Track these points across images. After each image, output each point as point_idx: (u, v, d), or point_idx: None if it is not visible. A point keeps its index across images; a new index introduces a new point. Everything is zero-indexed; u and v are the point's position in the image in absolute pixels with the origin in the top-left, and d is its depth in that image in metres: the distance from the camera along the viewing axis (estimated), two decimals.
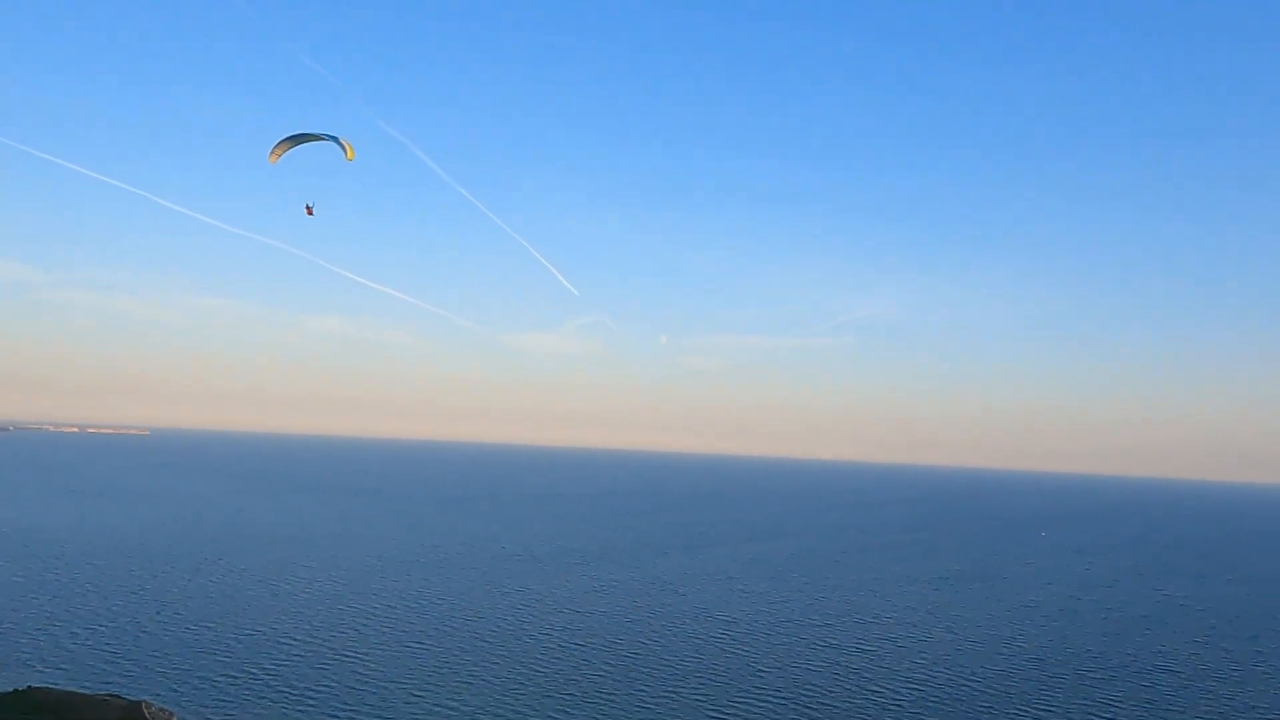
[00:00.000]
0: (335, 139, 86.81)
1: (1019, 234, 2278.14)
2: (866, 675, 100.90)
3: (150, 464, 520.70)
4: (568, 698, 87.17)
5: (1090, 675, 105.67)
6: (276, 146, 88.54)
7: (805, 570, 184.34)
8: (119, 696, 76.04)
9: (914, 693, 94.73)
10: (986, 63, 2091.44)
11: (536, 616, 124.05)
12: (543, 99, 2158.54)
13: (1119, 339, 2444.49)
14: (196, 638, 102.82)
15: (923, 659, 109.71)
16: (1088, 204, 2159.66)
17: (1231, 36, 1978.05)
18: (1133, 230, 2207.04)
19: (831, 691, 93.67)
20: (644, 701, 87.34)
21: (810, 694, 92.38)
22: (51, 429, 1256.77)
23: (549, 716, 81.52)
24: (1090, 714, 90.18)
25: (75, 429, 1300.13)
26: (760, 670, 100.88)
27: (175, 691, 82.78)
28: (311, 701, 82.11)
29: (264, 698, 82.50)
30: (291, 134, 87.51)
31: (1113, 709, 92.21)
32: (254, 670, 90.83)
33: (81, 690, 78.78)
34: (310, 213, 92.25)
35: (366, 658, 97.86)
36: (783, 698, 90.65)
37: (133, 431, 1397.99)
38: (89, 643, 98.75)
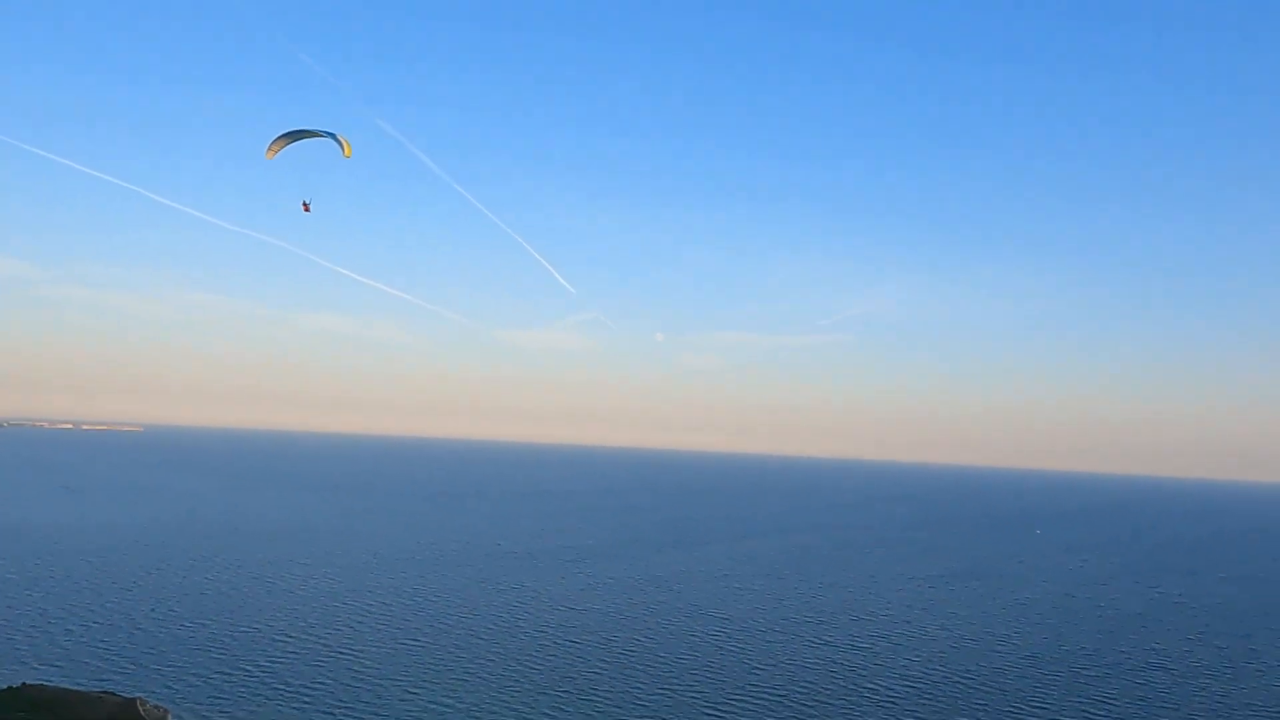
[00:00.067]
0: (332, 136, 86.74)
1: (1018, 232, 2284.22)
2: (862, 672, 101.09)
3: (144, 461, 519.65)
4: (562, 695, 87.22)
5: (1084, 672, 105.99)
6: (274, 143, 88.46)
7: (801, 567, 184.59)
8: (113, 694, 75.92)
9: (909, 690, 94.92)
10: (986, 60, 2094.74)
11: (531, 613, 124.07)
12: (540, 96, 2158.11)
13: (1116, 338, 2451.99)
14: (191, 635, 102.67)
15: (918, 656, 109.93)
16: (1087, 202, 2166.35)
17: (1231, 33, 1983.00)
18: (1130, 229, 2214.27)
19: (826, 689, 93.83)
20: (638, 699, 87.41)
21: (805, 691, 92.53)
22: (45, 426, 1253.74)
23: (544, 713, 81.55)
24: (1084, 711, 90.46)
25: (69, 426, 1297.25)
26: (755, 667, 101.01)
27: (170, 689, 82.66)
28: (306, 699, 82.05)
29: (259, 695, 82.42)
30: (289, 130, 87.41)
31: (1107, 706, 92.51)
32: (249, 667, 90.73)
33: (76, 687, 78.64)
34: (307, 209, 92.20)
35: (362, 654, 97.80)
36: (778, 695, 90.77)
37: (127, 428, 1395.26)
38: (83, 640, 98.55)
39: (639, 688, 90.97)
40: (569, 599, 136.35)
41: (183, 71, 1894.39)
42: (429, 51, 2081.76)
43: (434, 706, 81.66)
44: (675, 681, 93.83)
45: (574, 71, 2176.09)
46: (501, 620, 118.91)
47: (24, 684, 75.18)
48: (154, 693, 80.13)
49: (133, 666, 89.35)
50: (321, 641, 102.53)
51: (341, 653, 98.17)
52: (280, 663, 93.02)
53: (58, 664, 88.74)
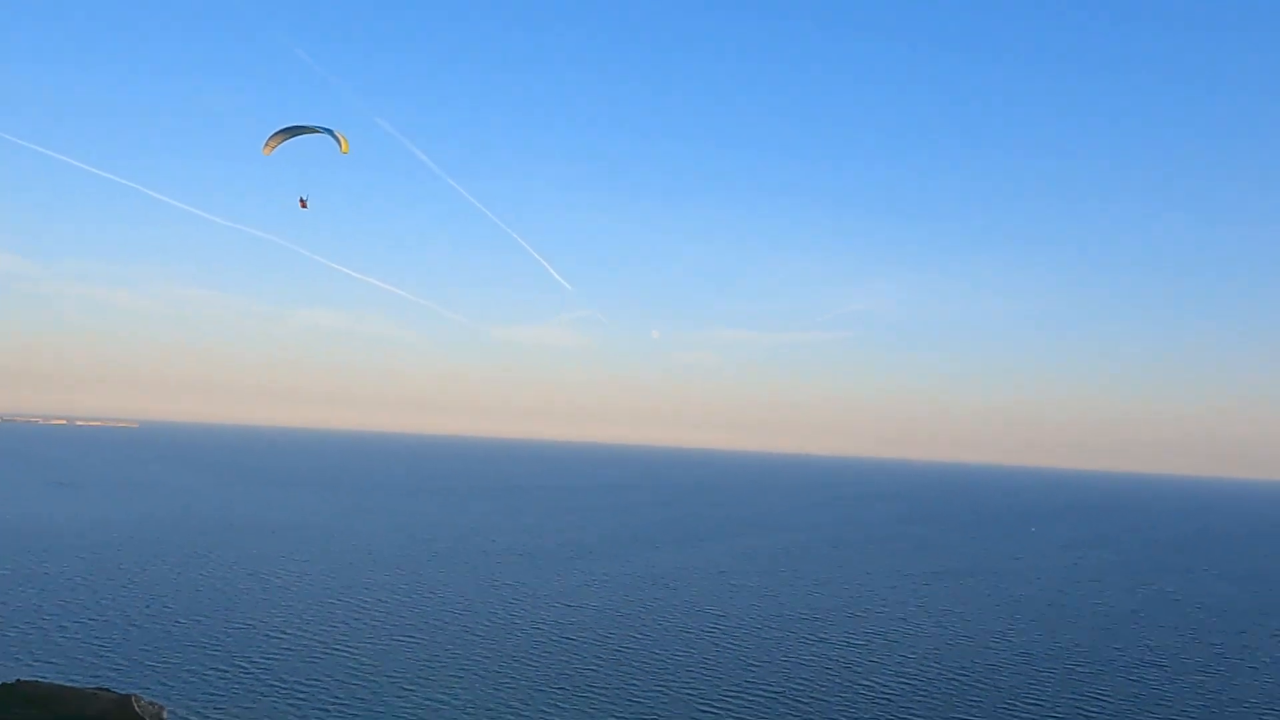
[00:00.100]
0: (330, 132, 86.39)
1: (1015, 229, 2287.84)
2: (857, 669, 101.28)
3: (139, 457, 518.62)
4: (559, 691, 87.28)
5: (1078, 669, 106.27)
6: (271, 138, 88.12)
7: (797, 564, 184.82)
8: (109, 690, 75.79)
9: (904, 686, 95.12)
10: (984, 56, 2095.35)
11: (527, 610, 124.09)
12: (535, 91, 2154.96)
13: (1113, 336, 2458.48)
14: (186, 631, 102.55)
15: (913, 653, 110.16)
16: (1084, 199, 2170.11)
17: (1232, 30, 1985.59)
18: (1128, 226, 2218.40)
19: (821, 685, 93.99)
20: (635, 695, 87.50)
21: (800, 687, 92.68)
22: (40, 421, 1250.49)
23: (540, 710, 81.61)
24: (1078, 708, 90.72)
25: (63, 421, 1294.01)
26: (751, 664, 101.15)
27: (165, 685, 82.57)
28: (302, 695, 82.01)
29: (254, 691, 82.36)
30: (286, 126, 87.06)
31: (1101, 703, 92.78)
32: (244, 664, 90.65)
33: (71, 684, 78.48)
34: (304, 205, 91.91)
35: (357, 651, 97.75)
36: (773, 691, 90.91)
37: (122, 424, 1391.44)
38: (78, 636, 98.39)
39: (635, 684, 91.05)
40: (565, 596, 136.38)
41: (179, 67, 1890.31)
42: (426, 48, 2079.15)
43: (429, 703, 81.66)
44: (671, 678, 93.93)
45: (571, 68, 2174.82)
46: (497, 617, 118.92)
47: (19, 680, 75.03)
48: (149, 689, 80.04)
49: (127, 663, 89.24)
50: (317, 638, 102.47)
51: (337, 649, 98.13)
52: (275, 659, 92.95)
53: (52, 661, 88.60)
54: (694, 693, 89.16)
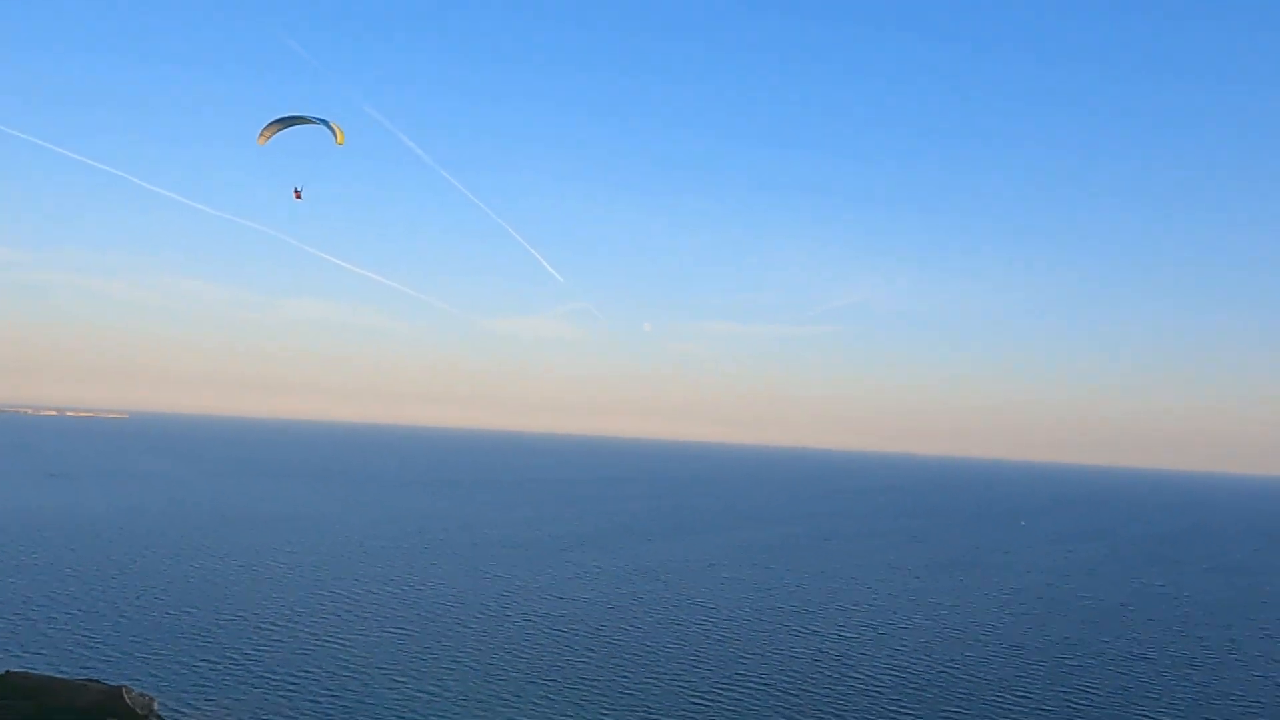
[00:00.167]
0: (325, 123, 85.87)
1: (1007, 222, 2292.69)
2: (847, 662, 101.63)
3: (129, 447, 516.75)
4: (549, 683, 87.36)
5: (1068, 662, 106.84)
6: (266, 128, 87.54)
7: (788, 557, 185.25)
8: (98, 682, 75.55)
9: (894, 679, 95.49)
10: (982, 48, 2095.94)
11: (519, 602, 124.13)
12: (527, 82, 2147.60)
13: (1107, 331, 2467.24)
14: (177, 623, 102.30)
15: (903, 646, 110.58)
16: (1080, 195, 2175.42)
17: (1234, 27, 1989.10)
18: (1124, 222, 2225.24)
19: (812, 678, 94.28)
20: (625, 687, 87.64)
21: (791, 680, 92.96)
22: (29, 412, 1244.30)
23: (531, 702, 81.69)
24: (1067, 700, 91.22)
25: (53, 412, 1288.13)
26: (742, 656, 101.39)
27: (155, 677, 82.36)
28: (293, 687, 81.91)
29: (245, 683, 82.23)
30: (282, 116, 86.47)
31: (1089, 695, 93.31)
32: (235, 655, 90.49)
33: (60, 675, 78.24)
34: (299, 196, 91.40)
35: (348, 643, 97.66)
36: (764, 683, 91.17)
37: (112, 415, 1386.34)
38: (67, 627, 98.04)
39: (626, 677, 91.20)
40: (556, 588, 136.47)
41: (170, 56, 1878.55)
42: (418, 37, 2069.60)
43: (421, 695, 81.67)
44: (662, 670, 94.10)
45: (563, 58, 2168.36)
46: (489, 609, 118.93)
47: (7, 672, 74.70)
48: (139, 681, 79.81)
49: (118, 654, 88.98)
50: (308, 630, 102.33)
51: (328, 641, 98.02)
52: (267, 651, 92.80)
53: (41, 652, 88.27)
54: (685, 685, 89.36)
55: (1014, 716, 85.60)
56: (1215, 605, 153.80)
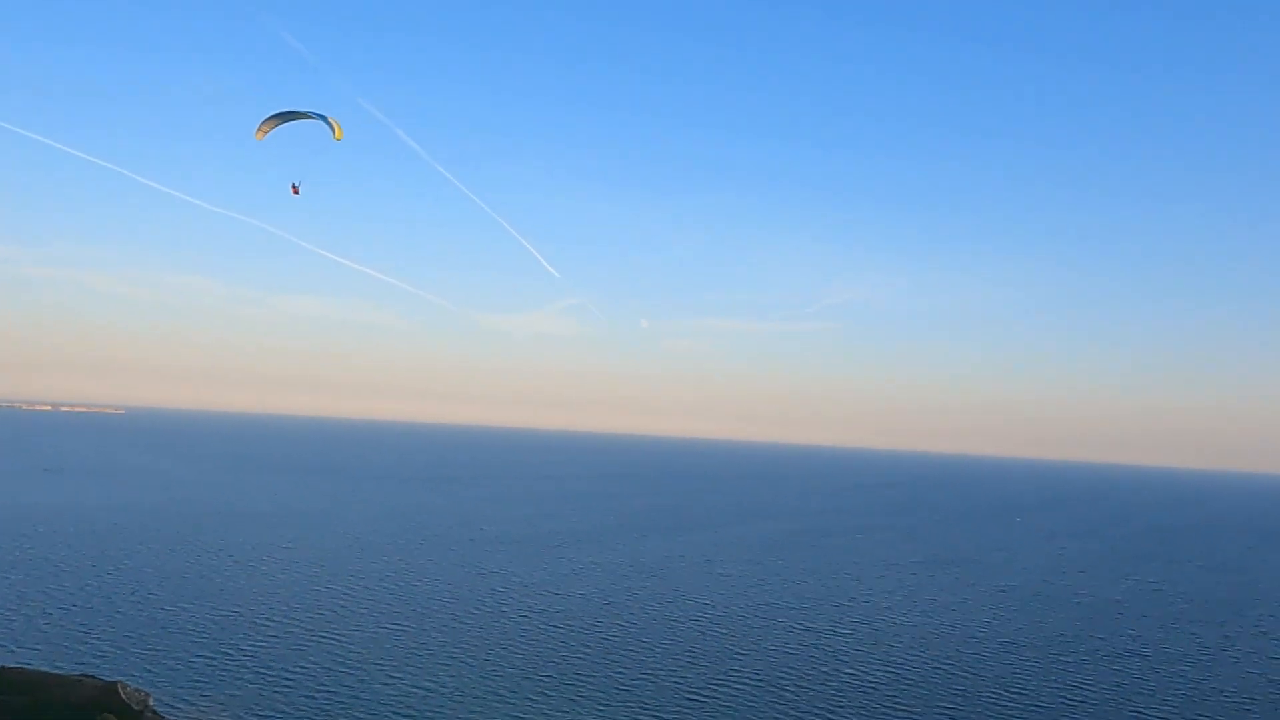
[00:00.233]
0: (323, 118, 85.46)
1: (1006, 220, 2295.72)
2: (843, 658, 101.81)
3: (125, 443, 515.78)
4: (546, 679, 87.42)
5: (1062, 658, 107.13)
6: (264, 123, 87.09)
7: (784, 554, 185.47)
8: (94, 677, 75.50)
9: (889, 675, 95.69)
10: (982, 45, 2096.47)
11: (515, 598, 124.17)
12: (524, 78, 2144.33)
13: (1101, 329, 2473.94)
14: (172, 618, 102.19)
15: (898, 642, 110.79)
16: (1079, 192, 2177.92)
17: (1236, 25, 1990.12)
18: (1122, 218, 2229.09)
19: (808, 674, 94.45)
20: (622, 683, 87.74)
21: (787, 676, 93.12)
22: (24, 407, 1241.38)
23: (527, 697, 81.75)
24: (1062, 696, 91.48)
25: (48, 407, 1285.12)
26: (738, 652, 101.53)
27: (151, 672, 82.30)
28: (288, 682, 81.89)
29: (240, 679, 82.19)
30: (279, 111, 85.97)
31: (1084, 691, 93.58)
32: (230, 651, 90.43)
33: (55, 671, 78.17)
34: (296, 192, 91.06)
35: (344, 638, 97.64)
36: (760, 679, 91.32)
37: (107, 410, 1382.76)
38: (63, 623, 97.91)
39: (622, 672, 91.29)
40: (553, 584, 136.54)
41: (166, 50, 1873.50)
42: (414, 32, 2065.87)
43: (416, 691, 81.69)
44: (658, 666, 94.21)
45: (560, 55, 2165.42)
46: (485, 605, 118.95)
47: (3, 667, 74.62)
48: (135, 676, 79.76)
49: (113, 650, 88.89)
50: (304, 625, 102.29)
51: (324, 637, 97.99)
52: (262, 647, 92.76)
53: (37, 647, 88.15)
54: (681, 680, 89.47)
55: (1009, 712, 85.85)
56: (1209, 602, 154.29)
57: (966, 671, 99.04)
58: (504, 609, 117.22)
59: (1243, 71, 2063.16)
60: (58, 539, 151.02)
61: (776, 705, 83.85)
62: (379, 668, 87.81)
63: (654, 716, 79.27)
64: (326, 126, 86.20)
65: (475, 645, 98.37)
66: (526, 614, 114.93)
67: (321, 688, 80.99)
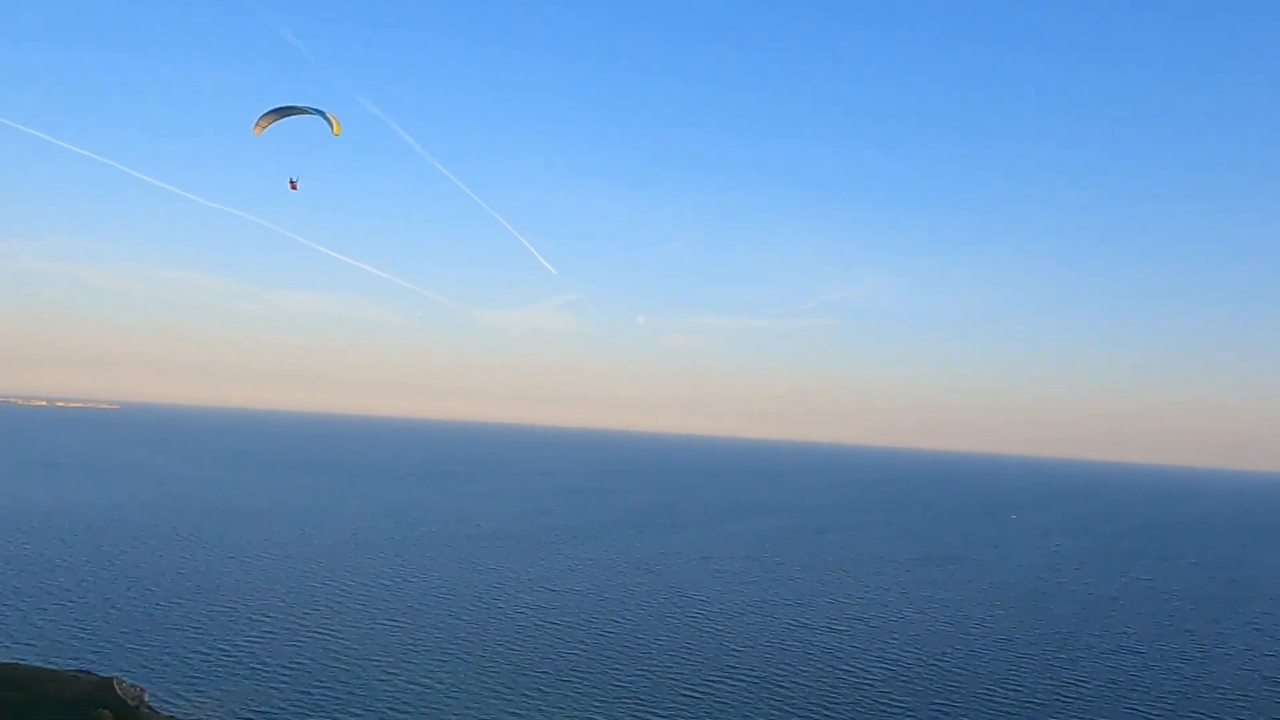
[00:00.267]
0: (321, 113, 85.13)
1: (1004, 218, 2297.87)
2: (838, 654, 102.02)
3: (120, 438, 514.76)
4: (542, 675, 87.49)
5: (1057, 655, 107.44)
6: (261, 118, 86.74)
7: (780, 550, 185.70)
8: (89, 673, 75.44)
9: (885, 671, 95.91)
10: (982, 45, 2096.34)
11: (511, 594, 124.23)
12: (521, 75, 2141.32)
13: (1098, 328, 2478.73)
14: (167, 614, 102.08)
15: (894, 639, 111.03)
16: (1079, 191, 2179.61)
17: (1231, 22, 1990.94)
18: (1121, 218, 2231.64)
19: (804, 670, 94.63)
20: (618, 679, 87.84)
21: (783, 672, 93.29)
22: (19, 403, 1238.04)
23: (523, 693, 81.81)
24: (1057, 693, 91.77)
25: (43, 402, 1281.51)
26: (733, 648, 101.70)
27: (146, 668, 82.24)
28: (284, 678, 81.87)
29: (236, 674, 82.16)
30: (277, 106, 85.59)
31: (1079, 688, 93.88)
32: (226, 647, 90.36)
33: (51, 667, 78.11)
34: (294, 187, 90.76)
35: (340, 634, 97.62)
36: (755, 675, 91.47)
37: (102, 405, 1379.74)
38: (58, 619, 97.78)
39: (618, 668, 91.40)
40: (549, 580, 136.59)
41: (163, 46, 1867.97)
42: (412, 28, 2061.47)
43: (412, 686, 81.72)
44: (654, 662, 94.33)
45: (558, 52, 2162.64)
46: (481, 601, 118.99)
47: None
48: (130, 672, 79.71)
49: (109, 646, 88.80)
50: (299, 621, 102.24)
51: (319, 632, 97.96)
52: (258, 642, 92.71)
53: (32, 643, 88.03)
54: (677, 677, 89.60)
55: (1004, 708, 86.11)
56: (1202, 599, 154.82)
57: (961, 667, 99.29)
58: (500, 605, 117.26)
59: (1243, 71, 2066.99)
60: (53, 535, 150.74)
61: (772, 701, 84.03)
62: (375, 663, 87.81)
63: (650, 712, 79.40)
64: (324, 122, 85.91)
65: (471, 641, 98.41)
66: (522, 610, 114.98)
67: (317, 683, 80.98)
